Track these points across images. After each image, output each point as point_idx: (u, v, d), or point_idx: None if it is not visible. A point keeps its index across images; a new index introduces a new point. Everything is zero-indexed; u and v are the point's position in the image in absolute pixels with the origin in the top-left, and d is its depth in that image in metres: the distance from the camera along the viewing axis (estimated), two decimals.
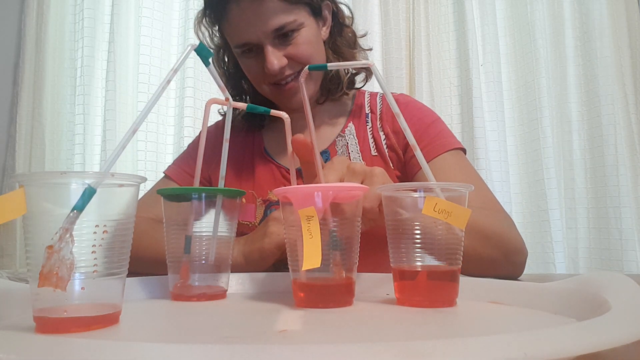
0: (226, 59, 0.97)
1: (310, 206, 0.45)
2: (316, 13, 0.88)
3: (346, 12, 0.96)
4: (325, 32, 0.92)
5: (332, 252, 0.47)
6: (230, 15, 0.84)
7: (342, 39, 0.94)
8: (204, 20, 0.91)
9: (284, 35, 0.83)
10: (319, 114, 0.97)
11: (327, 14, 0.91)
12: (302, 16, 0.84)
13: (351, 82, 0.97)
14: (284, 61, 0.84)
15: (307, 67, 0.53)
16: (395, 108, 0.51)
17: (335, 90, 0.94)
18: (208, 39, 0.96)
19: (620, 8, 1.66)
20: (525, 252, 0.78)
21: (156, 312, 0.48)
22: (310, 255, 0.43)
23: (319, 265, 0.43)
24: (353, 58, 0.95)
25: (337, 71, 0.93)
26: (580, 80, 1.69)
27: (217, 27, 0.92)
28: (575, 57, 1.70)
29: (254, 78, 0.90)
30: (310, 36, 0.86)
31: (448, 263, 0.47)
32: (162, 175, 1.00)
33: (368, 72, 0.98)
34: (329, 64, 0.53)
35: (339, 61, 0.92)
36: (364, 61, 0.49)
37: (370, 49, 1.01)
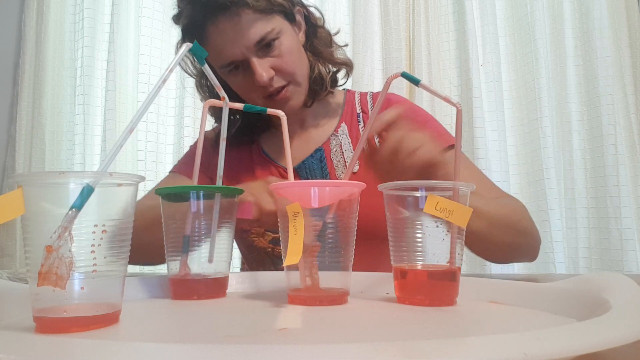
0: (209, 84, 0.96)
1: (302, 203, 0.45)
2: (290, 19, 0.89)
3: (316, 13, 0.98)
4: (301, 36, 0.93)
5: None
6: (210, 38, 0.84)
7: (318, 39, 0.95)
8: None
9: (266, 46, 0.84)
10: (311, 115, 0.99)
11: (300, 18, 0.92)
12: (279, 23, 0.85)
13: (334, 80, 0.98)
14: (272, 72, 0.84)
15: (401, 73, 0.50)
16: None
17: (320, 90, 0.95)
18: (191, 67, 0.96)
19: (620, 8, 1.65)
20: (539, 237, 0.82)
21: (156, 312, 0.48)
22: (293, 252, 0.43)
23: (297, 262, 0.43)
24: (331, 56, 0.96)
25: (320, 72, 0.94)
26: (580, 80, 1.68)
27: None
28: (575, 57, 1.69)
29: (245, 93, 0.90)
30: (292, 43, 0.87)
31: (448, 262, 0.47)
32: (168, 174, 0.98)
33: (349, 68, 0.99)
34: (420, 82, 0.48)
35: (319, 62, 0.94)
36: (452, 101, 0.48)
37: (346, 45, 1.02)
